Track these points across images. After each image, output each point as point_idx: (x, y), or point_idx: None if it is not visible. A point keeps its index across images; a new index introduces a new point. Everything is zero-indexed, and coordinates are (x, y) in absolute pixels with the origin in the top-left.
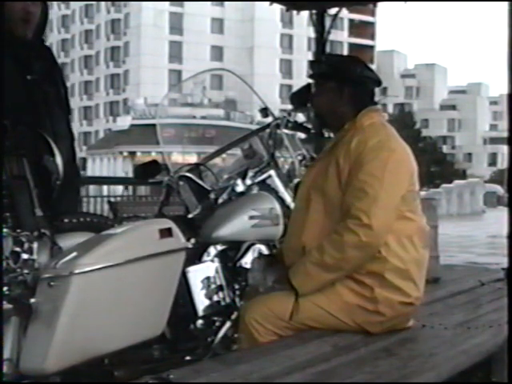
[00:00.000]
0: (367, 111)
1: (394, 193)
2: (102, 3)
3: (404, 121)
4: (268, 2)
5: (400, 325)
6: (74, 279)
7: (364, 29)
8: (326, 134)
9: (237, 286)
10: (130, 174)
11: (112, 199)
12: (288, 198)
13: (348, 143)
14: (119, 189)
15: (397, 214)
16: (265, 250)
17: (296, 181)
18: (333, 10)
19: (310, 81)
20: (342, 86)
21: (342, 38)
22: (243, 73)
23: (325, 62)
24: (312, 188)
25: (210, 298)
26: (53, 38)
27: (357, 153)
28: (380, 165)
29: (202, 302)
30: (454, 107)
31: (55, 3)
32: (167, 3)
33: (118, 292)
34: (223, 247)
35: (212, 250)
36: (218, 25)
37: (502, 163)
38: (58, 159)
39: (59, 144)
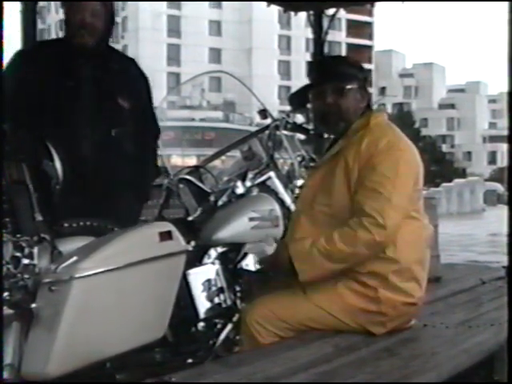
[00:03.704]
0: (376, 111)
1: (404, 193)
2: None
3: (403, 120)
4: (265, 4)
5: (402, 325)
6: (75, 283)
7: (362, 29)
8: (326, 135)
9: (238, 288)
10: None
11: None
12: (288, 200)
13: (357, 144)
14: None
15: (404, 213)
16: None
17: (297, 182)
18: (330, 11)
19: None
20: (362, 86)
21: (340, 39)
22: (241, 74)
23: (343, 64)
24: (318, 189)
25: (211, 300)
26: None
27: (368, 154)
28: (392, 166)
29: (203, 305)
30: (452, 106)
31: (53, 6)
32: (165, 6)
33: (119, 296)
34: (223, 249)
35: (212, 253)
36: (216, 27)
37: (502, 161)
38: (58, 164)
39: (97, 156)
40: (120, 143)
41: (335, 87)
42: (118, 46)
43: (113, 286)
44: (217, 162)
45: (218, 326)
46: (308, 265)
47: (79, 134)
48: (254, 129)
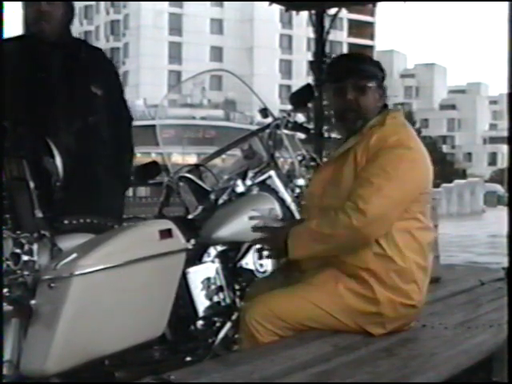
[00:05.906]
0: (392, 111)
1: (402, 189)
2: (102, 4)
3: None
4: (267, 3)
5: (401, 327)
6: (75, 280)
7: (363, 29)
8: (326, 135)
9: (237, 287)
10: None
11: None
12: (288, 199)
13: (367, 139)
14: None
15: (408, 213)
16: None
17: (297, 182)
18: (332, 10)
19: (310, 81)
20: (380, 85)
21: (341, 38)
22: (243, 73)
23: (364, 62)
24: (327, 183)
25: (210, 298)
26: None
27: (375, 149)
28: (393, 160)
29: (202, 303)
30: (453, 107)
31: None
32: (166, 4)
33: (119, 293)
34: (223, 248)
35: (212, 251)
36: (218, 25)
37: (502, 163)
38: (58, 160)
39: (77, 145)
40: (97, 130)
41: (356, 84)
42: (119, 44)
43: (112, 284)
44: (217, 161)
45: (217, 324)
46: (296, 242)
47: (58, 124)
48: (254, 127)
